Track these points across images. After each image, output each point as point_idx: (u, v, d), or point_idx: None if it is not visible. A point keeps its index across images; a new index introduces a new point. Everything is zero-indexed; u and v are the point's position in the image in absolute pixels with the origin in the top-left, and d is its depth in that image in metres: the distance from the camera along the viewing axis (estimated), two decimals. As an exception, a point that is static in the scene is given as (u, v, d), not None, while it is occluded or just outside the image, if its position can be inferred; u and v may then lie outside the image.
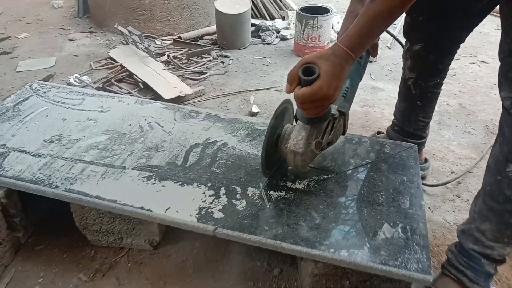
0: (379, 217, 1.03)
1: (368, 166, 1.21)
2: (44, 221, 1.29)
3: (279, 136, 1.07)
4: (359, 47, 0.87)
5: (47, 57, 2.35)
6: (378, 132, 1.66)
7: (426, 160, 1.56)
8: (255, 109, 1.91)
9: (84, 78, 2.07)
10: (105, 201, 1.05)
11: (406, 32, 1.33)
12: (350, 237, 0.97)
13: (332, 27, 2.65)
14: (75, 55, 2.40)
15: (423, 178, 1.55)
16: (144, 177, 1.13)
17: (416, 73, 1.35)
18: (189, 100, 1.98)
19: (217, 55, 2.42)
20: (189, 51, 2.31)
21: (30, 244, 1.23)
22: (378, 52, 1.16)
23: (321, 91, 0.86)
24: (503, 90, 0.91)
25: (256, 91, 2.09)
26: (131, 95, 1.95)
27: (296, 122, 1.05)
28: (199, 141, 1.28)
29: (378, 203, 1.08)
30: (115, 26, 2.46)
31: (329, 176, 1.16)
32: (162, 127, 1.35)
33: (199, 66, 2.26)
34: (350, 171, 1.19)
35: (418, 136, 1.48)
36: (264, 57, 2.46)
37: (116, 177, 1.12)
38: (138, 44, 2.24)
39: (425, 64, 1.32)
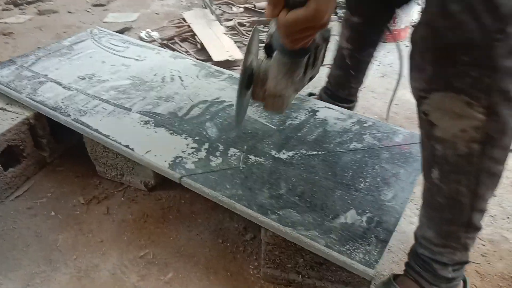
0: (349, 202, 0.96)
1: (368, 151, 1.12)
2: (74, 148, 1.45)
3: (252, 76, 0.85)
4: None
5: (132, 13, 2.57)
6: (310, 94, 1.60)
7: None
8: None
9: (154, 33, 2.23)
10: (100, 135, 1.15)
11: (347, 1, 1.28)
12: (307, 214, 0.93)
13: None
14: (156, 13, 2.59)
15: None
16: (142, 121, 1.20)
17: (352, 45, 1.33)
18: (239, 66, 2.00)
19: (285, 28, 2.39)
20: (254, 20, 2.32)
21: (54, 165, 1.41)
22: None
23: (317, 15, 0.64)
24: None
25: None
26: (188, 54, 2.05)
27: (267, 54, 0.84)
28: (209, 99, 1.31)
29: (356, 188, 1.00)
30: (197, -11, 2.58)
31: (319, 153, 1.11)
32: (182, 81, 1.40)
33: (262, 35, 2.27)
34: (344, 152, 1.11)
35: (349, 100, 1.49)
36: (333, 35, 2.35)
37: (119, 117, 1.22)
38: (208, 7, 2.33)
39: (362, 36, 1.31)
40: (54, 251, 1.12)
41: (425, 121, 0.75)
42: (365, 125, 1.22)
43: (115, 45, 1.62)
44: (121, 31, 2.29)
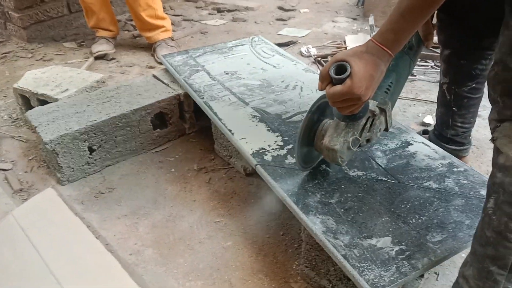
0: (390, 230, 0.98)
1: (441, 193, 1.08)
2: (207, 128, 1.77)
3: (316, 131, 1.08)
4: (395, 42, 0.84)
5: (305, 30, 2.85)
6: (424, 132, 1.58)
7: None
8: (428, 119, 1.80)
9: (312, 50, 2.45)
10: (216, 117, 1.42)
11: (437, 34, 1.23)
12: (343, 225, 0.99)
13: None
14: (325, 33, 2.81)
15: None
16: (251, 115, 1.42)
17: (449, 78, 1.33)
18: (377, 92, 2.04)
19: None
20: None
21: (190, 136, 1.77)
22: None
23: (351, 90, 0.84)
24: None
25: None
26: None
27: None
28: (315, 110, 1.44)
29: (405, 221, 1.00)
30: (369, 16, 2.69)
31: (388, 180, 1.13)
32: (301, 91, 1.57)
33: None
34: (414, 187, 1.10)
35: (458, 142, 1.43)
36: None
37: (237, 108, 1.47)
38: (370, 34, 2.41)
39: (457, 69, 1.29)
40: (161, 196, 1.44)
41: (494, 149, 0.77)
42: (455, 169, 1.17)
43: (264, 52, 1.90)
44: (286, 44, 2.60)
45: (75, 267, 0.98)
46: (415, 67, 2.24)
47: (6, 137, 1.76)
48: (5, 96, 2.06)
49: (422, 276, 0.98)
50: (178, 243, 1.26)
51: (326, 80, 0.89)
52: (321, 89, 0.92)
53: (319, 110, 1.08)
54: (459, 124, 1.38)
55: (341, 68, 0.87)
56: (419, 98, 2.02)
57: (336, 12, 3.22)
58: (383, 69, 0.88)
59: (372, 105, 1.01)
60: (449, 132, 1.41)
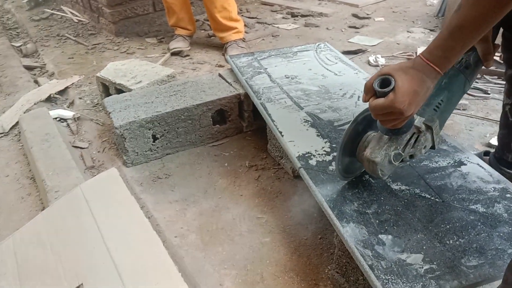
0: (424, 248, 0.96)
1: (488, 217, 1.04)
2: (263, 128, 1.84)
3: (359, 142, 1.08)
4: (443, 60, 0.83)
5: (376, 39, 2.80)
6: (486, 153, 1.47)
7: None
8: (496, 141, 1.69)
9: (381, 60, 2.41)
10: (269, 118, 1.48)
11: (502, 52, 1.15)
12: (375, 236, 0.99)
13: None
14: (397, 43, 2.74)
15: None
16: (304, 119, 1.46)
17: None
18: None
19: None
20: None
21: (246, 134, 1.85)
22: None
23: (393, 104, 0.85)
24: None
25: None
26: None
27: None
28: (368, 120, 1.44)
29: (442, 241, 0.98)
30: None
31: (431, 198, 1.10)
32: (358, 100, 1.58)
33: (487, 85, 2.10)
34: (459, 208, 1.07)
35: None
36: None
37: (290, 111, 1.51)
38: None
39: None
40: (211, 187, 1.54)
41: None
42: (508, 195, 1.11)
43: (328, 59, 1.92)
44: (355, 52, 2.58)
45: (124, 240, 1.09)
46: (491, 85, 2.12)
47: (86, 119, 1.97)
48: (90, 83, 2.31)
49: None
50: (219, 233, 1.34)
51: (370, 93, 0.91)
52: (364, 101, 0.94)
53: (365, 121, 1.09)
54: None
55: (385, 81, 0.88)
56: (489, 117, 1.90)
57: (413, 22, 3.12)
58: (430, 85, 0.88)
59: (419, 121, 1.00)
60: (510, 156, 1.33)
